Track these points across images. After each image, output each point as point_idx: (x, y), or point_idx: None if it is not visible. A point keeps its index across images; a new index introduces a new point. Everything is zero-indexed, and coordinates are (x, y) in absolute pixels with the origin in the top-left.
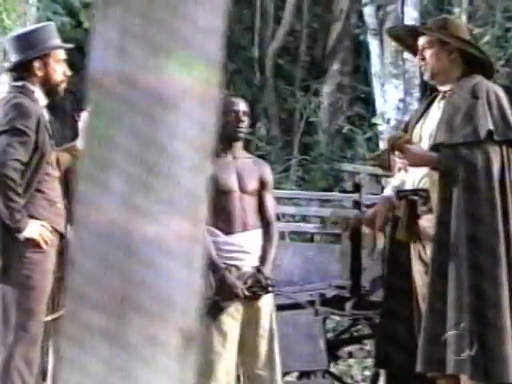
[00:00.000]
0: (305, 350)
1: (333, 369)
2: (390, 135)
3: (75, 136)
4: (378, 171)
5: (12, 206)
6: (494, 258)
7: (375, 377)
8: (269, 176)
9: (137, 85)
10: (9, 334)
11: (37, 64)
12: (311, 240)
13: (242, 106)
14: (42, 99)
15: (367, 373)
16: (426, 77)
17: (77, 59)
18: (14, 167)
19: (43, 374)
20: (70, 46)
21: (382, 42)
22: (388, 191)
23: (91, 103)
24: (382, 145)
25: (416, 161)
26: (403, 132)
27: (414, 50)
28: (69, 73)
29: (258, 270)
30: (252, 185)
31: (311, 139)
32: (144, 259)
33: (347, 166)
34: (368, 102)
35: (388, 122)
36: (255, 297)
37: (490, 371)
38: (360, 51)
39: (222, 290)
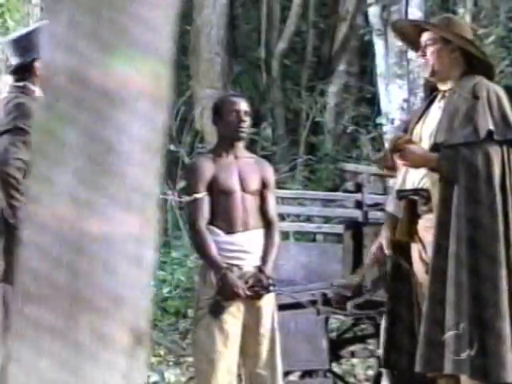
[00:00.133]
0: (307, 350)
1: (336, 368)
2: (392, 136)
3: None
4: (380, 171)
5: (15, 204)
6: (494, 261)
7: (378, 376)
8: (271, 176)
9: (85, 82)
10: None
11: (38, 64)
12: (313, 240)
13: (243, 105)
14: None
15: (370, 372)
16: (426, 73)
17: None
18: (16, 166)
19: None
20: None
21: (386, 42)
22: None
23: (40, 99)
24: (387, 145)
25: (416, 161)
26: (402, 132)
27: (417, 47)
28: None
29: (260, 269)
30: (254, 185)
31: (317, 139)
32: (93, 257)
33: (349, 166)
34: (373, 102)
35: (392, 122)
36: (256, 296)
37: (488, 371)
38: (366, 52)
39: (223, 290)
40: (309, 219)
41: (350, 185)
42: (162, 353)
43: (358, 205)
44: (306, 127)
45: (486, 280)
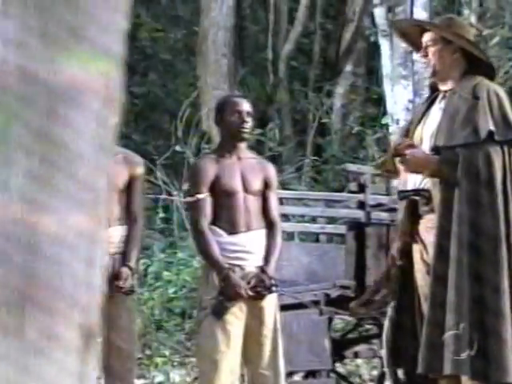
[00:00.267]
0: (309, 350)
1: (341, 368)
2: (395, 141)
3: None
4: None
5: None
6: (495, 263)
7: (382, 377)
8: (273, 176)
9: (35, 80)
10: None
11: None
12: (316, 240)
13: (245, 106)
14: None
15: (375, 373)
16: (428, 73)
17: None
18: None
19: None
20: None
21: (392, 43)
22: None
23: None
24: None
25: (418, 165)
26: (405, 133)
27: (418, 47)
28: None
29: (262, 270)
30: (256, 185)
31: (323, 140)
32: (43, 255)
33: (352, 167)
34: (380, 103)
35: (397, 122)
36: (259, 297)
37: (489, 372)
38: (373, 53)
39: (225, 290)
40: (314, 220)
41: (352, 185)
42: (167, 353)
43: (361, 205)
44: (312, 128)
45: (487, 282)
